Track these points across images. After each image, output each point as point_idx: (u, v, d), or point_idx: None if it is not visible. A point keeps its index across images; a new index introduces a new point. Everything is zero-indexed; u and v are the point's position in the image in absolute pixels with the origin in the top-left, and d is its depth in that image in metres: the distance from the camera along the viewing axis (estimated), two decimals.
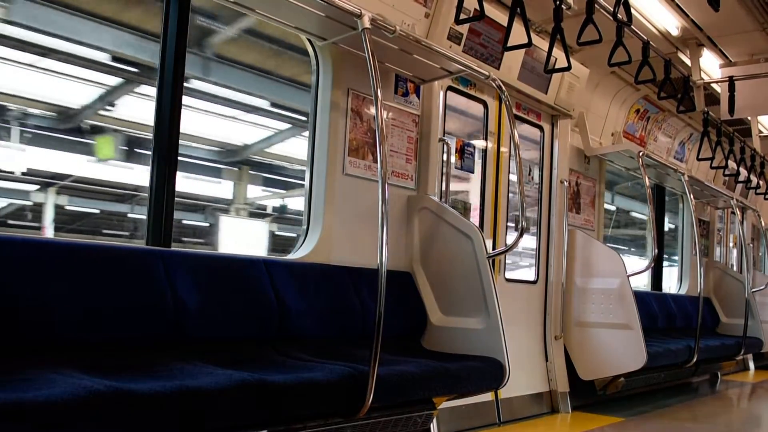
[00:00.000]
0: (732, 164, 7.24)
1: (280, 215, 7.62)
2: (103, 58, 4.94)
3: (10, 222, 5.64)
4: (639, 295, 5.37)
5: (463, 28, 4.14)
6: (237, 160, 7.03)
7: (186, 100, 3.16)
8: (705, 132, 6.54)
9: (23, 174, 5.13)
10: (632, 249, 9.95)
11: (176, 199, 3.09)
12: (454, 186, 4.42)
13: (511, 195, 4.88)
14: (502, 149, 4.83)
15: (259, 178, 7.58)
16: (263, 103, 6.48)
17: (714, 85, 6.50)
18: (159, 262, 2.76)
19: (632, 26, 4.49)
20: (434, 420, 3.40)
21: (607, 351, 4.97)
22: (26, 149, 4.99)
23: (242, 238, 6.89)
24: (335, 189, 3.63)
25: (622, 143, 6.40)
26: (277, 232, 7.48)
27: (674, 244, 8.45)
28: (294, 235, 6.60)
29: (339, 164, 3.66)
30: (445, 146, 4.25)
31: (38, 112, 5.03)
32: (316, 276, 3.39)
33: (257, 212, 7.64)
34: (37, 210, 5.72)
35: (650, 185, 5.76)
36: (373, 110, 3.75)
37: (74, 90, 5.14)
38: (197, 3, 3.63)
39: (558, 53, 4.30)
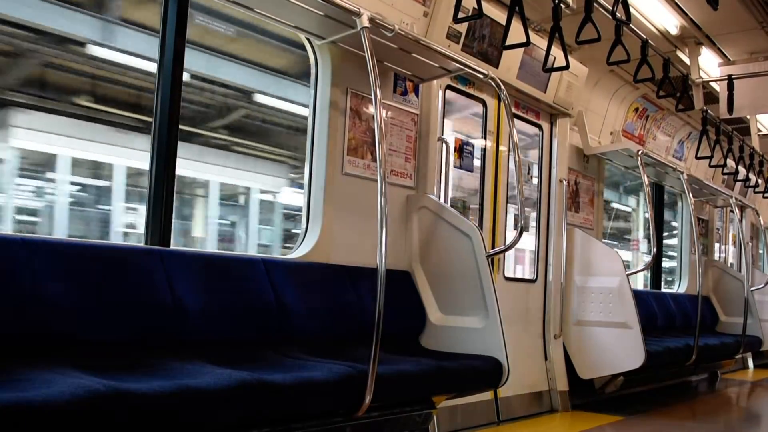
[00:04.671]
0: (731, 163, 7.24)
1: None
2: None
3: None
4: (638, 294, 5.37)
5: (462, 27, 4.14)
6: None
7: None
8: (704, 130, 6.54)
9: None
10: None
11: None
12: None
13: (510, 193, 4.88)
14: (501, 148, 4.82)
15: None
16: None
17: (713, 84, 6.49)
18: (158, 261, 2.76)
19: (631, 25, 4.48)
20: (434, 419, 3.40)
21: (607, 350, 4.97)
22: None
23: None
24: (334, 188, 3.62)
25: (621, 142, 6.40)
26: None
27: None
28: None
29: (338, 163, 3.65)
30: (444, 145, 4.25)
31: None
32: (315, 275, 3.39)
33: None
34: None
35: (649, 184, 5.76)
36: (372, 109, 3.75)
37: None
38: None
39: (557, 52, 4.29)
